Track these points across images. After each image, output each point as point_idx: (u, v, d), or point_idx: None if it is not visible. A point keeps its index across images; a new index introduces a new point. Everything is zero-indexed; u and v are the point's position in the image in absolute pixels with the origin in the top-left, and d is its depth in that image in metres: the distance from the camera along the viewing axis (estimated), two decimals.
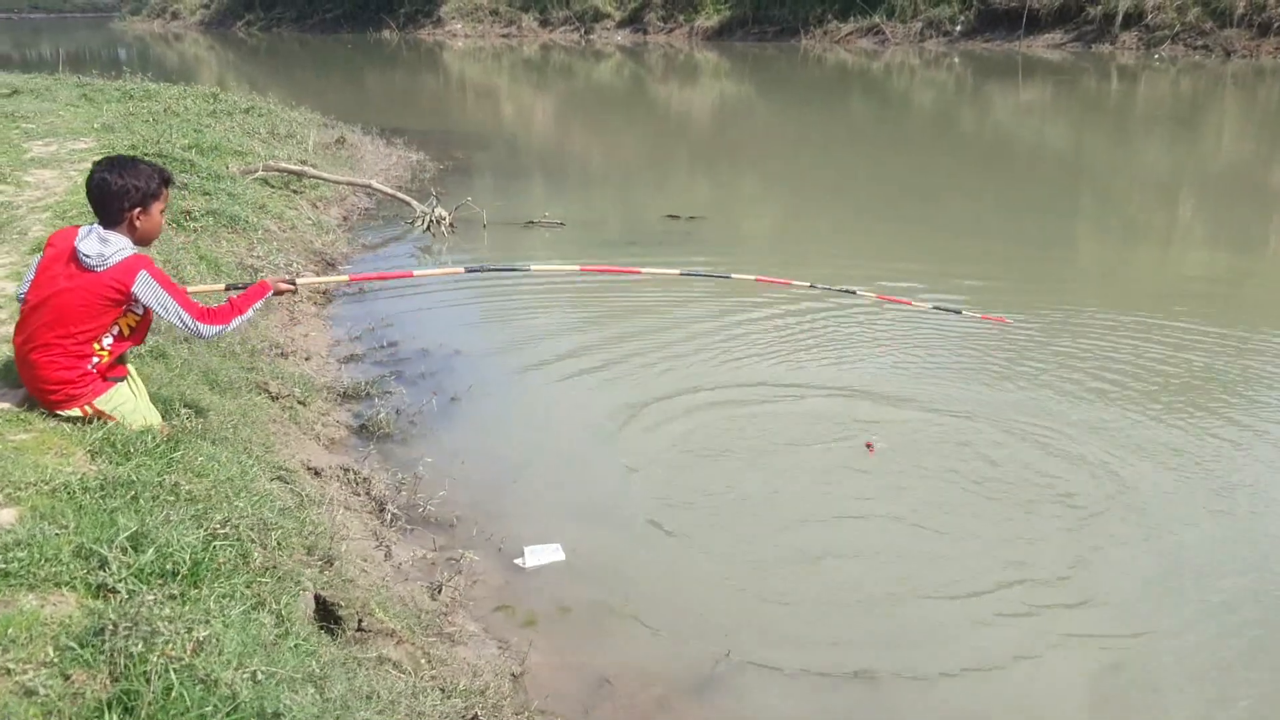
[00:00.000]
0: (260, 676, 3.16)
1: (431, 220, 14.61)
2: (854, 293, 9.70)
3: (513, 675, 5.39)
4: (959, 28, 47.93)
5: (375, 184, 16.20)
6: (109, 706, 2.81)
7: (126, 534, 3.65)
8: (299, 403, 8.29)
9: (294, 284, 6.48)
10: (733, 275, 9.43)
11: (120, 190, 5.31)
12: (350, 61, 55.86)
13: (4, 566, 3.41)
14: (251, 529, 4.30)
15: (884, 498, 7.29)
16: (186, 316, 5.51)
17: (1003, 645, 5.72)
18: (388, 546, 6.47)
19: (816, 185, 20.54)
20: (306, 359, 9.67)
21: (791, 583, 6.32)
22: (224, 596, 3.59)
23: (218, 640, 3.14)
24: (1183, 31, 40.81)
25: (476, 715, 4.77)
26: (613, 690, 5.37)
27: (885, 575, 6.37)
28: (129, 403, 5.66)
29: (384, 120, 24.83)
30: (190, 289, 6.15)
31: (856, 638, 5.77)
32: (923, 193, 19.18)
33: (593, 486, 7.57)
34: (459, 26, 66.46)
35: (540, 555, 6.60)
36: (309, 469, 7.25)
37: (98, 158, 6.04)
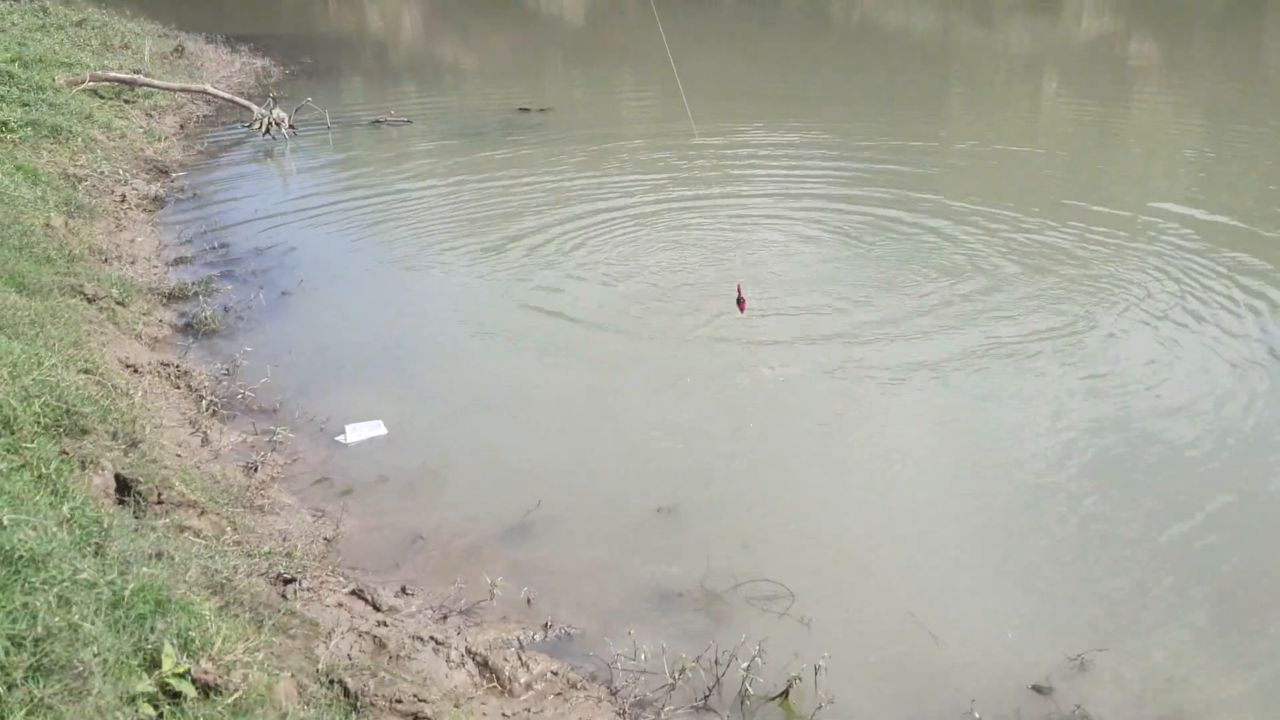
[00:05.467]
0: (5, 521, 3.22)
1: (270, 123, 14.23)
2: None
3: (325, 539, 5.52)
4: None
5: (210, 89, 15.69)
6: None
7: None
8: (118, 304, 8.14)
9: None
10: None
11: None
12: None
13: None
14: (16, 400, 4.28)
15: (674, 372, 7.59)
16: None
17: (802, 481, 6.06)
18: (204, 432, 6.47)
19: (676, 74, 20.49)
20: (132, 263, 9.46)
21: (598, 441, 6.59)
22: None
23: None
24: None
25: (280, 573, 4.90)
26: (425, 544, 5.54)
27: (681, 429, 6.69)
28: None
29: (231, 28, 23.85)
30: None
31: (656, 483, 6.02)
32: (792, 79, 19.41)
33: (416, 369, 7.64)
34: None
35: (361, 431, 6.68)
36: (127, 365, 7.17)
37: None
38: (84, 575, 3.21)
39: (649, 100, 18.37)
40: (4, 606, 2.88)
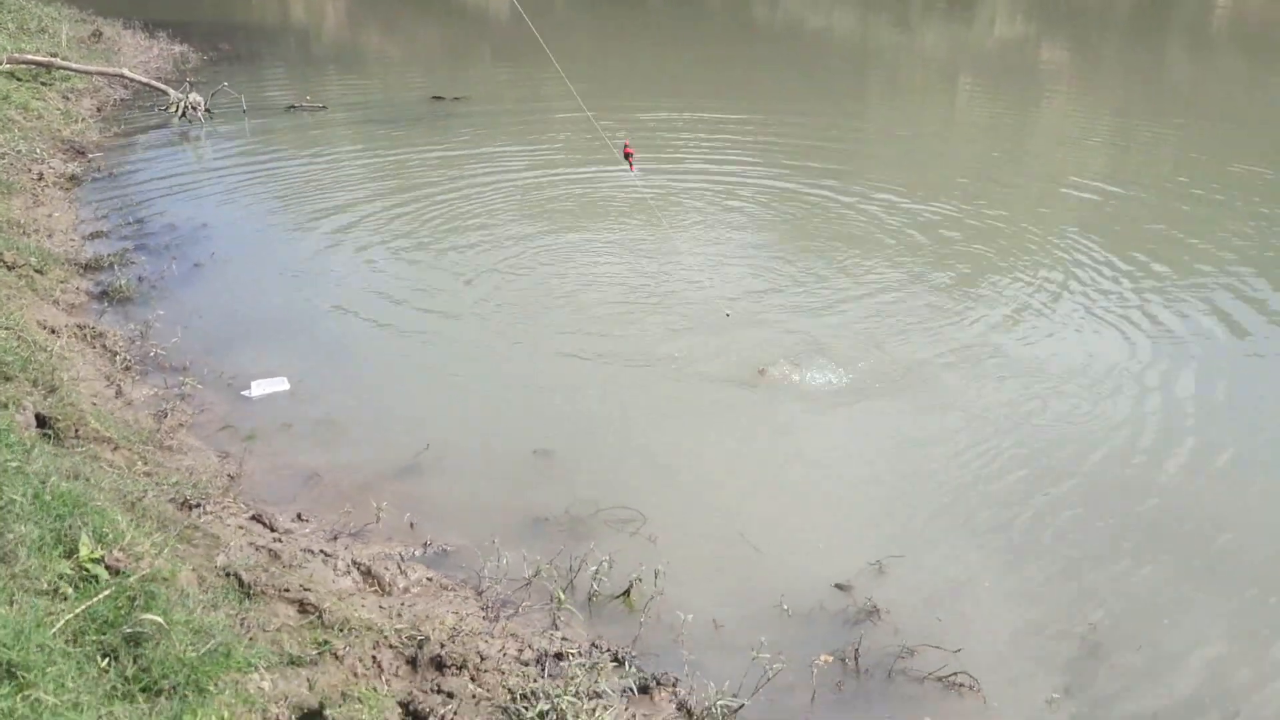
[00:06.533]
0: None
1: (186, 106, 14.61)
2: None
3: (230, 476, 6.10)
4: None
5: (127, 73, 15.99)
6: None
7: None
8: (36, 271, 8.59)
9: None
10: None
11: None
12: None
13: None
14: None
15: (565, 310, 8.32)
16: None
17: (661, 429, 6.80)
18: (118, 385, 7.00)
19: (595, 66, 21.20)
20: (49, 236, 9.87)
21: (485, 394, 7.28)
22: None
23: None
24: None
25: (186, 498, 5.48)
26: (321, 481, 6.15)
27: (560, 369, 7.44)
28: None
29: (149, 14, 23.91)
30: None
31: (537, 425, 6.72)
32: (714, 82, 20.22)
33: (318, 332, 8.23)
34: None
35: (266, 386, 7.26)
36: (44, 327, 7.65)
37: None
38: (14, 463, 3.79)
39: (559, 90, 19.02)
40: None
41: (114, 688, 3.20)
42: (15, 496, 3.65)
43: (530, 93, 19.19)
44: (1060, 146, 15.38)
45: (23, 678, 2.75)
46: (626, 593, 5.04)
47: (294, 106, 15.50)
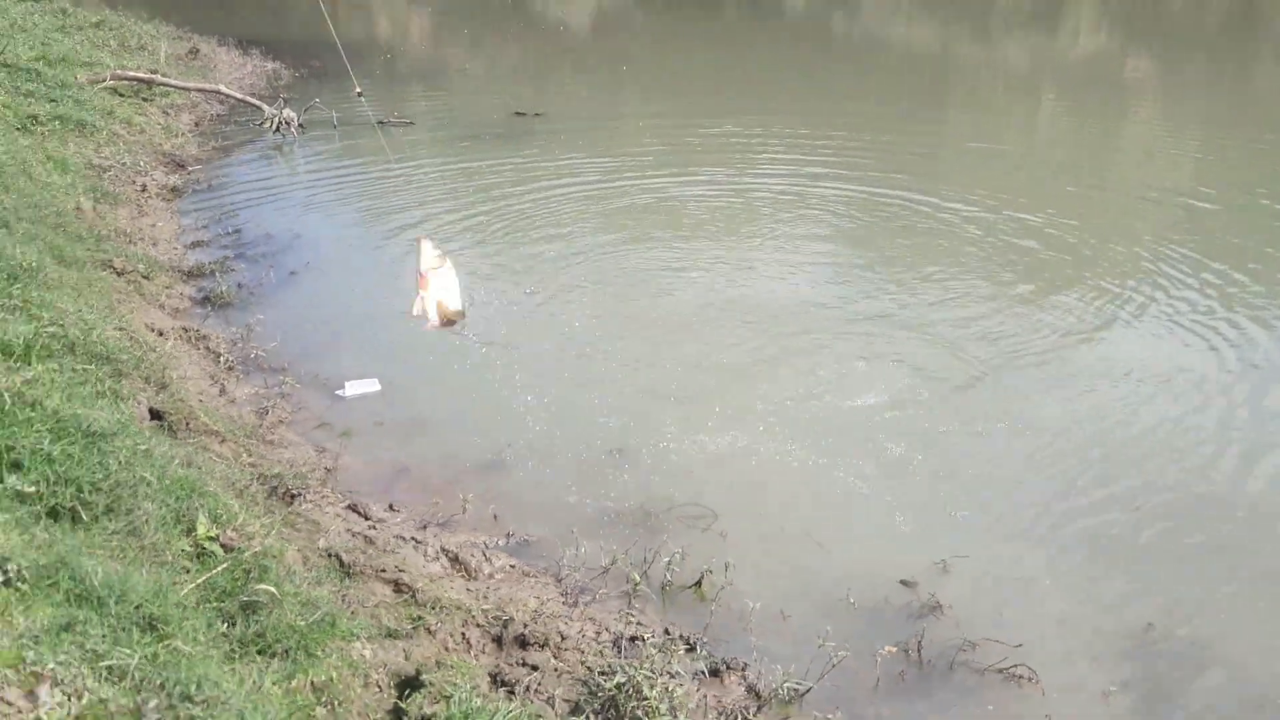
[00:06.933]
0: (80, 411, 4.20)
1: (280, 121, 15.23)
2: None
3: (326, 469, 6.49)
4: None
5: (224, 89, 16.70)
6: None
7: None
8: (143, 277, 9.13)
9: None
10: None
11: None
12: None
13: None
14: (78, 330, 5.27)
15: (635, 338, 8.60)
16: None
17: (735, 431, 7.05)
18: (222, 384, 7.46)
19: (677, 84, 21.57)
20: (154, 244, 10.45)
21: (565, 395, 7.57)
22: (52, 369, 4.61)
23: (43, 383, 4.16)
24: None
25: (289, 488, 5.87)
26: (410, 474, 6.52)
27: (635, 382, 7.70)
28: None
29: (243, 32, 24.84)
30: None
31: (614, 426, 7.02)
32: (793, 91, 20.46)
33: (408, 338, 8.57)
34: None
35: (359, 387, 7.66)
36: (152, 329, 8.15)
37: None
38: (143, 447, 4.18)
39: (646, 104, 19.40)
40: (87, 461, 3.85)
41: (233, 648, 3.54)
42: (146, 475, 4.04)
43: (606, 106, 19.59)
44: (1146, 158, 15.35)
45: (162, 629, 3.10)
46: (698, 583, 5.30)
47: (383, 122, 16.04)
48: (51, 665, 2.66)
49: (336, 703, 3.55)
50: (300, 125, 15.41)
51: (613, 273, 9.87)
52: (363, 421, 7.22)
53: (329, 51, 25.42)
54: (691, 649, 4.75)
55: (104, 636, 2.86)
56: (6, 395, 3.93)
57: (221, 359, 7.89)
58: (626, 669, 4.18)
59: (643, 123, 15.86)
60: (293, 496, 5.79)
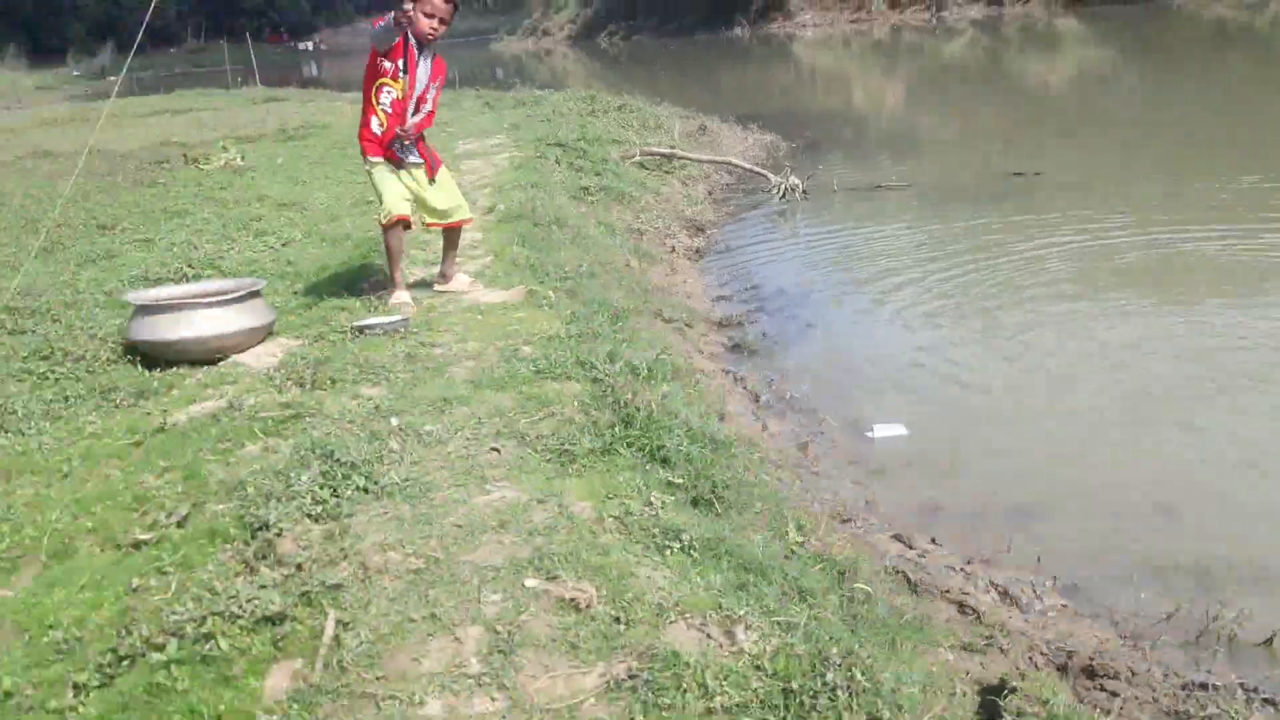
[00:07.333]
0: (702, 422, 4.97)
1: (786, 189, 16.34)
2: None
3: (865, 501, 6.96)
4: None
5: (735, 160, 18.20)
6: (617, 424, 4.71)
7: (605, 351, 5.64)
8: (685, 325, 10.27)
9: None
10: None
11: None
12: (705, 61, 58.88)
13: (540, 368, 5.51)
14: (679, 359, 6.16)
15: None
16: None
17: None
18: (764, 421, 8.22)
19: (1175, 144, 20.40)
20: (688, 298, 11.69)
21: (1091, 442, 7.51)
22: (667, 386, 5.47)
23: (673, 397, 4.99)
24: None
25: (840, 512, 6.39)
26: (944, 513, 6.80)
27: (1170, 431, 7.39)
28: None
29: (739, 109, 26.88)
30: None
31: (1154, 481, 6.86)
32: None
33: (932, 387, 8.94)
34: (808, 17, 67.61)
35: (886, 430, 8.08)
36: (700, 370, 9.16)
37: (511, 153, 8.26)
38: (757, 456, 4.85)
39: (1141, 160, 18.52)
40: (718, 463, 4.56)
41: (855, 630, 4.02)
42: (753, 481, 4.68)
43: (1103, 167, 18.89)
44: None
45: (810, 600, 3.64)
46: (1268, 641, 5.07)
47: (880, 186, 16.67)
48: (742, 612, 3.24)
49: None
50: (804, 192, 16.41)
51: (1161, 330, 9.51)
52: (892, 462, 7.61)
53: (816, 122, 26.94)
54: (1272, 706, 4.58)
55: (774, 597, 3.42)
56: (653, 404, 4.77)
57: (760, 399, 8.68)
58: (1219, 703, 4.15)
59: (1149, 185, 15.13)
60: (844, 521, 6.30)
